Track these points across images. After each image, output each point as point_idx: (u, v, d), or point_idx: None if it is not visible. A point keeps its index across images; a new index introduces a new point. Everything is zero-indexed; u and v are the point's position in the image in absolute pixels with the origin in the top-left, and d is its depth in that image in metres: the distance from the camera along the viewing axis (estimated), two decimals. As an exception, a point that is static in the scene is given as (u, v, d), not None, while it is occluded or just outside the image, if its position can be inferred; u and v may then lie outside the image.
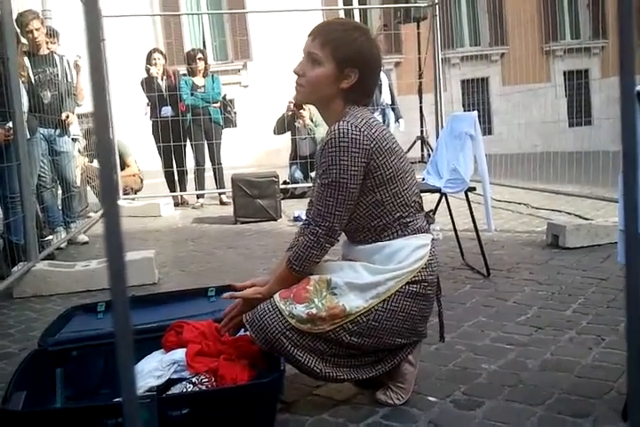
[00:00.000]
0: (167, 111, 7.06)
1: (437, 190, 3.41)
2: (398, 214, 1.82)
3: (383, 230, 1.84)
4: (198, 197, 7.42)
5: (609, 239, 3.80)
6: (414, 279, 1.79)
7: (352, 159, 1.73)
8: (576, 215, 4.95)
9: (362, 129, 1.74)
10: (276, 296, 1.79)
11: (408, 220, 1.84)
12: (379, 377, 1.89)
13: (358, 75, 1.80)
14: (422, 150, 8.17)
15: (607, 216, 4.47)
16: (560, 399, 1.83)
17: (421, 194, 1.95)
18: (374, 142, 1.75)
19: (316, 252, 1.79)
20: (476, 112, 3.40)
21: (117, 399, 1.80)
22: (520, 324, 2.53)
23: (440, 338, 2.11)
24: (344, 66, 1.79)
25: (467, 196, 3.43)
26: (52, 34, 5.24)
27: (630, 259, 0.60)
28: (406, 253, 1.80)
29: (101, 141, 0.49)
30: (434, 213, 2.04)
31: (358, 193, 1.78)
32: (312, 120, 7.40)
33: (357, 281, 1.77)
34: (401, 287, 1.77)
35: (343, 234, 1.92)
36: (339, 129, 1.74)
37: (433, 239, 1.89)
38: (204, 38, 14.53)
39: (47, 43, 4.94)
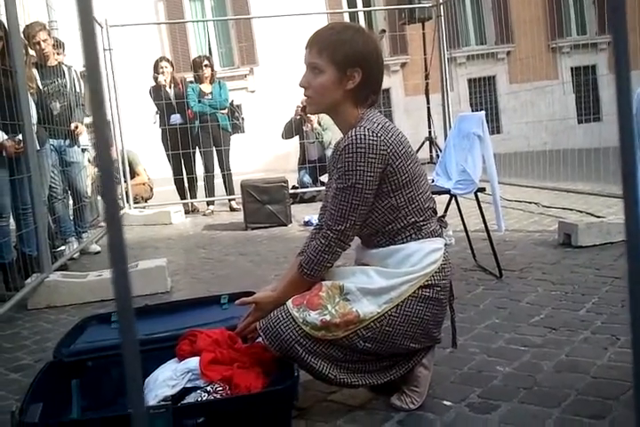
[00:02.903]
0: (176, 119, 7.09)
1: (447, 192, 3.40)
2: (413, 219, 1.83)
3: (397, 234, 1.84)
4: (208, 203, 7.43)
5: (621, 237, 3.78)
6: (427, 283, 1.79)
7: (369, 165, 1.73)
8: (588, 213, 4.92)
9: (379, 134, 1.75)
10: (289, 303, 1.79)
11: (422, 224, 1.84)
12: (393, 382, 1.88)
13: (361, 73, 1.80)
14: (431, 151, 8.16)
15: (619, 214, 4.44)
16: (576, 401, 1.82)
17: (432, 196, 1.95)
18: (391, 147, 1.76)
19: (327, 256, 1.79)
20: (483, 112, 3.39)
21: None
22: (534, 325, 2.52)
23: (452, 344, 2.09)
24: (345, 67, 1.79)
25: (476, 196, 3.42)
26: (57, 44, 5.28)
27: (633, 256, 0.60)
28: (419, 257, 1.80)
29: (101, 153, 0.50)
30: (444, 216, 2.04)
31: (373, 198, 1.79)
32: (320, 124, 7.41)
33: (370, 286, 1.77)
34: (414, 292, 1.77)
35: (357, 238, 1.92)
36: (356, 135, 1.74)
37: (446, 244, 1.89)
38: (209, 45, 14.58)
39: (55, 54, 4.97)
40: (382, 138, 1.75)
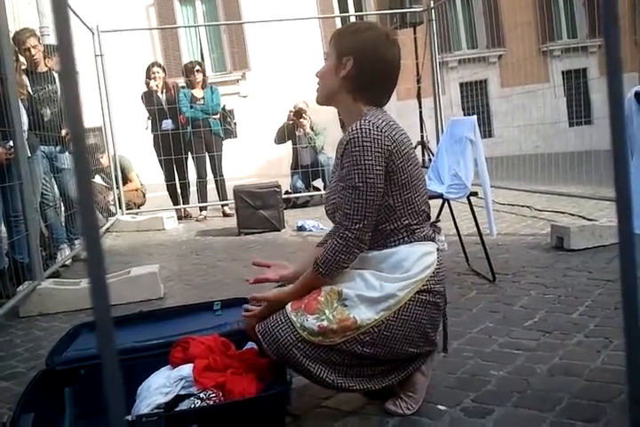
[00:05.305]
0: (168, 124, 7.07)
1: (440, 196, 3.40)
2: (407, 221, 1.83)
3: (390, 235, 1.84)
4: (201, 209, 7.42)
5: (614, 240, 3.79)
6: (423, 288, 1.79)
7: (376, 159, 1.73)
8: (580, 216, 4.93)
9: (383, 129, 1.76)
10: (288, 307, 1.79)
11: (415, 227, 1.84)
12: (389, 387, 1.88)
13: (352, 61, 1.83)
14: (423, 155, 8.17)
15: (611, 216, 4.46)
16: (570, 404, 1.82)
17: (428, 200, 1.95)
18: (394, 144, 1.77)
19: (344, 256, 1.77)
20: (475, 116, 3.40)
21: (127, 417, 1.80)
22: (527, 328, 2.52)
23: (443, 349, 2.09)
24: (342, 55, 1.86)
25: (469, 201, 3.42)
26: (53, 50, 5.27)
27: (626, 259, 0.60)
28: (412, 261, 1.80)
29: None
30: (438, 222, 2.04)
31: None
32: (312, 129, 7.41)
33: (368, 295, 1.76)
34: (411, 297, 1.77)
35: None
36: (360, 128, 1.74)
37: (438, 249, 1.89)
38: (201, 50, 14.57)
39: (45, 58, 4.96)
40: (387, 133, 1.76)
